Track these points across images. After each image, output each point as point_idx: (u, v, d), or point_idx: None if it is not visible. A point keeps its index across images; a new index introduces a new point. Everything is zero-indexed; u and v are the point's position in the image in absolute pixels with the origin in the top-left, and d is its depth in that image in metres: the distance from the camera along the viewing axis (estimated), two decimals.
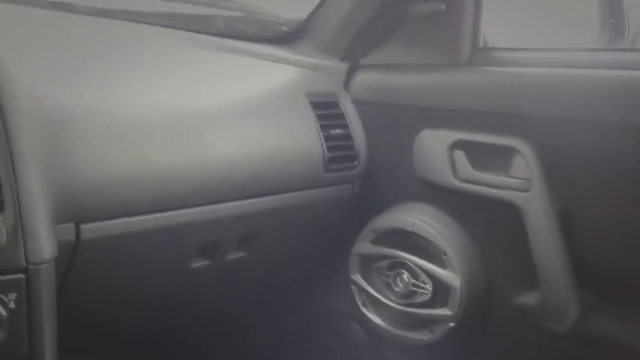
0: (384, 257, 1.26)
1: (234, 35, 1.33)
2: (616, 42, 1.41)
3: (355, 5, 1.30)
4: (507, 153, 1.14)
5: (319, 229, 1.33)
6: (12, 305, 0.76)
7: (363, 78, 1.35)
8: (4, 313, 0.75)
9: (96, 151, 0.91)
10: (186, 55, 1.19)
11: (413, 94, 1.28)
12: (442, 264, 1.20)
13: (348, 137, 1.28)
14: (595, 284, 1.12)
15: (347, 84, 1.35)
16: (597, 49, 1.32)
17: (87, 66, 1.00)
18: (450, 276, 1.19)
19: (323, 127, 1.23)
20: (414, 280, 1.22)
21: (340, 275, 1.34)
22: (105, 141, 0.92)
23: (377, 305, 1.29)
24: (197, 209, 1.04)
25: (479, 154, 1.18)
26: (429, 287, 1.21)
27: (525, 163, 1.11)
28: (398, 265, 1.25)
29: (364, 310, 1.30)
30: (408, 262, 1.23)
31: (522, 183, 1.12)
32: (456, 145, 1.20)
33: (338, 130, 1.26)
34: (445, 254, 1.20)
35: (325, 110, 1.26)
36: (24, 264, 0.76)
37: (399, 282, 1.25)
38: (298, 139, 1.20)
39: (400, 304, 1.24)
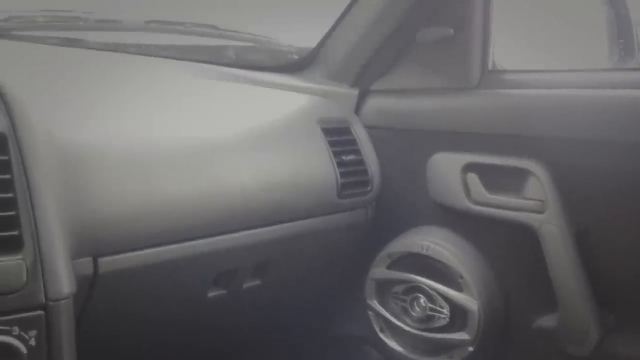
0: (400, 281, 1.26)
1: (245, 65, 1.35)
2: (626, 61, 1.41)
3: (364, 32, 1.32)
4: (521, 175, 1.13)
5: (334, 254, 1.33)
6: (32, 342, 0.76)
7: (374, 103, 1.36)
8: (24, 350, 0.75)
9: (112, 185, 0.92)
10: (198, 87, 1.20)
11: (424, 117, 1.28)
12: (458, 287, 1.20)
13: (361, 162, 1.28)
14: (615, 305, 1.10)
15: (358, 109, 1.36)
16: (607, 69, 1.32)
17: (102, 100, 1.01)
18: (468, 299, 1.18)
19: (335, 154, 1.24)
20: (431, 305, 1.22)
21: (357, 301, 1.34)
22: (121, 175, 0.93)
23: (394, 330, 1.28)
24: (213, 239, 1.05)
25: (492, 176, 1.18)
26: (446, 311, 1.20)
27: (539, 184, 1.11)
28: (414, 289, 1.24)
29: (382, 335, 1.30)
30: (424, 286, 1.22)
31: (537, 204, 1.12)
32: (469, 167, 1.20)
33: (350, 156, 1.27)
34: (461, 277, 1.19)
35: (338, 137, 1.27)
36: (43, 300, 0.77)
37: (416, 307, 1.24)
38: (311, 166, 1.20)
39: (418, 329, 1.24)
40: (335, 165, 1.23)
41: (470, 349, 1.18)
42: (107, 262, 0.91)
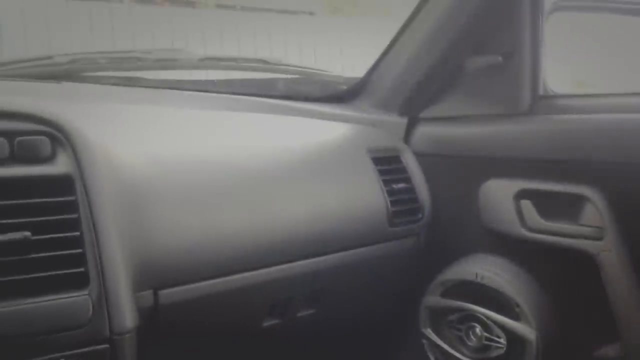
0: (454, 310, 1.25)
1: (295, 97, 1.38)
2: None
3: (412, 60, 1.33)
4: (576, 201, 1.11)
5: (387, 282, 1.33)
6: None
7: (423, 131, 1.36)
8: None
9: (172, 219, 0.95)
10: (251, 120, 1.24)
11: (475, 144, 1.28)
12: (515, 316, 1.18)
13: (411, 190, 1.28)
14: None
15: (407, 137, 1.37)
16: None
17: (161, 137, 1.05)
18: (525, 329, 1.16)
19: (386, 182, 1.25)
20: (487, 334, 1.20)
21: (411, 330, 1.33)
22: (180, 209, 0.97)
23: None
24: (267, 270, 1.07)
25: (546, 203, 1.16)
26: (503, 340, 1.18)
27: (596, 210, 1.09)
28: (469, 318, 1.23)
29: None
30: (480, 315, 1.21)
31: (594, 231, 1.09)
32: (522, 194, 1.18)
33: (401, 185, 1.27)
34: (518, 305, 1.17)
35: (387, 165, 1.27)
36: (108, 334, 0.80)
37: (472, 336, 1.23)
38: (361, 195, 1.21)
39: (474, 359, 1.22)
40: (386, 194, 1.23)
41: None
42: (167, 295, 0.94)
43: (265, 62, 1.44)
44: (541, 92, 1.25)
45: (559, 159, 1.15)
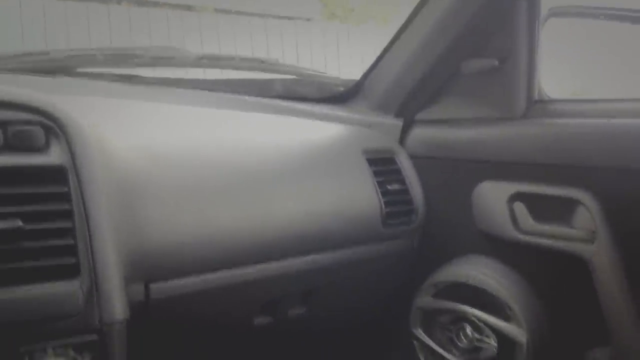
0: (446, 311, 1.25)
1: (291, 97, 1.39)
2: None
3: (409, 63, 1.34)
4: (569, 205, 1.12)
5: (379, 283, 1.33)
6: None
7: (418, 133, 1.37)
8: None
9: (166, 213, 0.95)
10: (247, 119, 1.24)
11: (470, 147, 1.28)
12: (506, 318, 1.18)
13: (405, 192, 1.29)
14: None
15: (402, 139, 1.38)
16: None
17: (156, 133, 1.06)
18: (516, 330, 1.16)
19: (380, 183, 1.25)
20: (477, 335, 1.20)
21: (402, 330, 1.33)
22: (174, 204, 0.97)
23: None
24: (260, 266, 1.07)
25: (539, 206, 1.16)
26: (493, 342, 1.18)
27: (589, 214, 1.09)
28: (461, 319, 1.23)
29: None
30: (471, 316, 1.21)
31: (587, 235, 1.10)
32: (516, 197, 1.19)
33: (395, 186, 1.28)
34: (509, 307, 1.17)
35: (382, 167, 1.28)
36: (98, 325, 0.80)
37: (462, 337, 1.23)
38: (356, 195, 1.22)
39: None
40: (380, 195, 1.24)
41: None
42: (159, 288, 0.95)
43: (262, 62, 1.45)
44: (536, 97, 1.26)
45: (553, 162, 1.16)
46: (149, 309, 0.94)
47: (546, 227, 1.15)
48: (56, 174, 0.83)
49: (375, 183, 1.24)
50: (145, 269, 0.92)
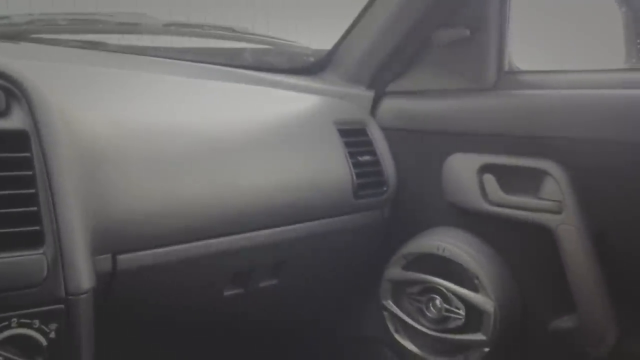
0: (415, 282, 1.26)
1: (262, 68, 1.36)
2: None
3: (380, 33, 1.32)
4: (538, 175, 1.13)
5: (350, 255, 1.33)
6: (52, 335, 0.77)
7: (390, 105, 1.36)
8: (44, 343, 0.76)
9: (131, 183, 0.93)
10: (216, 89, 1.22)
11: (440, 119, 1.29)
12: (474, 288, 1.19)
13: (376, 163, 1.29)
14: (633, 306, 1.09)
15: (374, 111, 1.37)
16: (625, 69, 1.32)
17: (121, 101, 1.03)
18: (484, 300, 1.18)
19: (351, 154, 1.24)
20: (446, 306, 1.22)
21: (372, 301, 1.34)
22: (140, 173, 0.95)
23: (409, 331, 1.28)
24: (230, 238, 1.06)
25: (508, 177, 1.17)
26: (462, 312, 1.20)
27: (557, 185, 1.11)
28: (430, 290, 1.24)
29: (397, 336, 1.29)
30: (440, 287, 1.22)
31: (554, 205, 1.11)
32: (485, 168, 1.20)
33: (366, 157, 1.27)
34: (477, 278, 1.19)
35: (354, 138, 1.27)
36: (63, 295, 0.78)
37: (432, 308, 1.24)
38: (327, 166, 1.21)
39: (433, 330, 1.23)
40: (351, 166, 1.23)
41: (486, 349, 1.17)
42: (126, 260, 0.93)
43: (232, 30, 1.42)
44: (507, 68, 1.26)
45: (522, 134, 1.16)
46: (116, 281, 0.92)
47: (515, 198, 1.16)
48: (18, 139, 0.80)
49: (347, 154, 1.24)
50: (111, 239, 0.90)
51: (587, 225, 1.09)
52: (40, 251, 0.78)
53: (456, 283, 1.21)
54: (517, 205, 1.16)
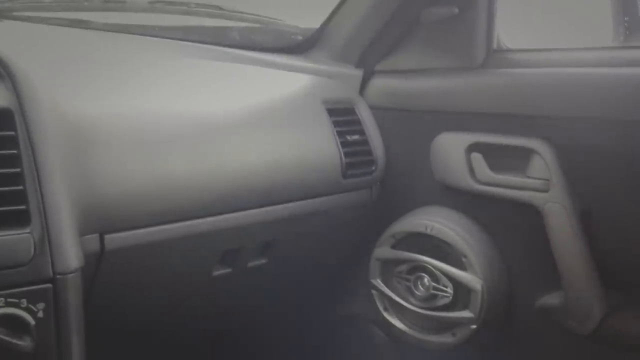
0: (404, 261, 1.27)
1: (249, 46, 1.35)
2: (631, 39, 1.40)
3: (368, 12, 1.31)
4: (525, 154, 1.13)
5: (339, 234, 1.33)
6: (40, 314, 0.77)
7: (378, 84, 1.36)
8: (32, 322, 0.76)
9: (119, 162, 0.92)
10: (203, 67, 1.20)
11: (429, 98, 1.28)
12: (462, 266, 1.20)
13: (365, 142, 1.28)
14: (618, 284, 1.11)
15: (362, 90, 1.37)
16: (612, 47, 1.32)
17: (108, 79, 1.02)
18: (471, 278, 1.19)
19: (340, 134, 1.24)
20: (434, 284, 1.23)
21: (361, 281, 1.35)
22: (128, 152, 0.94)
23: (398, 309, 1.29)
24: (218, 218, 1.05)
25: (496, 156, 1.18)
26: (449, 290, 1.21)
27: (544, 163, 1.11)
28: (418, 269, 1.25)
29: (386, 314, 1.30)
30: (428, 266, 1.23)
31: (541, 183, 1.12)
32: (474, 147, 1.20)
33: (355, 136, 1.27)
34: (465, 256, 1.20)
35: (342, 117, 1.27)
36: (51, 274, 0.78)
37: (420, 286, 1.25)
38: (315, 146, 1.21)
39: (421, 308, 1.24)
40: (340, 146, 1.23)
41: (474, 326, 1.19)
42: (114, 239, 0.92)
43: (219, 8, 1.40)
44: (495, 46, 1.26)
45: (509, 112, 1.17)
46: (104, 261, 0.92)
47: (502, 177, 1.16)
48: (2, 117, 0.79)
49: (335, 133, 1.23)
50: (99, 219, 0.90)
51: (574, 203, 1.10)
52: (27, 230, 0.77)
53: (444, 261, 1.22)
54: (505, 183, 1.16)
